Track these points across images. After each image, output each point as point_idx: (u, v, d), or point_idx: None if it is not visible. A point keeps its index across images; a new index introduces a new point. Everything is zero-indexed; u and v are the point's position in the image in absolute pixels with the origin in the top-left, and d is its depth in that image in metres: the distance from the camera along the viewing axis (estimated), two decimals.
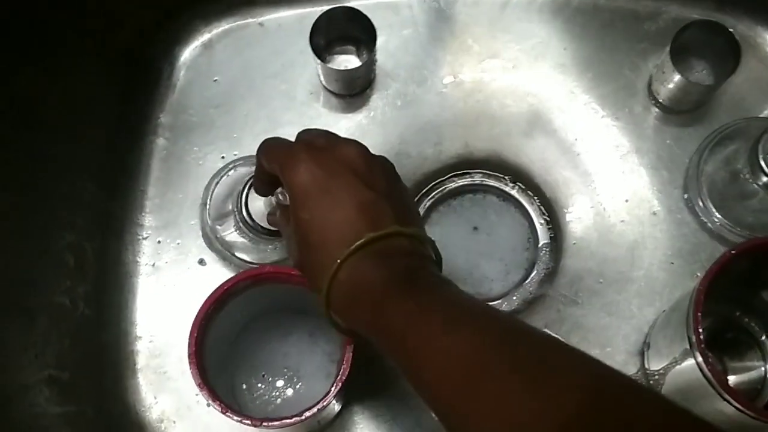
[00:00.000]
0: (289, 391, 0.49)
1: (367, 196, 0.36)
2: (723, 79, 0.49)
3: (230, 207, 0.49)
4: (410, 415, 0.49)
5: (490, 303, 0.52)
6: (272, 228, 0.46)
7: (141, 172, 0.53)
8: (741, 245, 0.38)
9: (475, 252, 0.53)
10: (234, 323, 0.47)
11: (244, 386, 0.49)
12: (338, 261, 0.34)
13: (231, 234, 0.50)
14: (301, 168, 0.36)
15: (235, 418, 0.39)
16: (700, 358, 0.37)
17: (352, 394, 0.49)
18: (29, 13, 0.46)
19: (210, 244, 0.51)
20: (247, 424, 0.40)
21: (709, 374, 0.37)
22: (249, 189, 0.46)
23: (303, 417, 0.39)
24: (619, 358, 0.49)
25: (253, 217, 0.46)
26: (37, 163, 0.46)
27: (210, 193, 0.50)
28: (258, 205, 0.46)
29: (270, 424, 0.39)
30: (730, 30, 0.48)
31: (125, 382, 0.50)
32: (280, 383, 0.49)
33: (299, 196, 0.36)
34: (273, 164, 0.39)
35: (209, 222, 0.50)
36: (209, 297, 0.41)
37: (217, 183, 0.50)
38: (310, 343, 0.49)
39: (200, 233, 0.52)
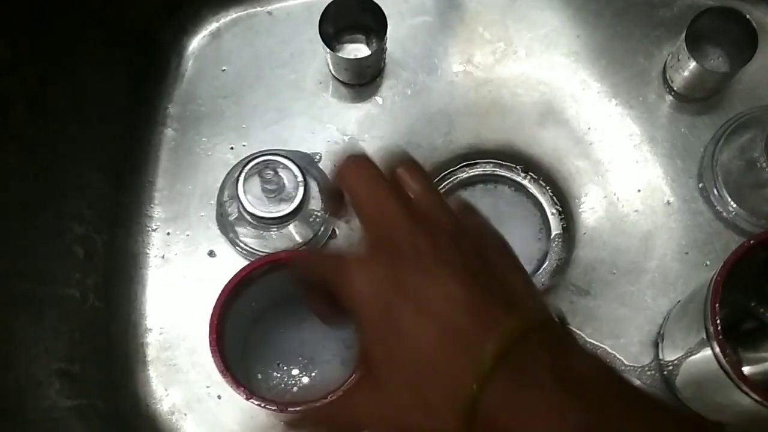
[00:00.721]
0: (305, 379, 0.49)
1: (466, 287, 0.26)
2: (739, 66, 0.48)
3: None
4: None
5: None
6: (265, 215, 0.46)
7: (150, 163, 0.53)
8: (758, 236, 0.37)
9: None
10: (249, 311, 0.46)
11: (260, 375, 0.48)
12: (467, 398, 0.24)
13: (236, 214, 0.50)
14: (357, 278, 0.28)
15: (260, 404, 0.39)
16: (717, 349, 0.37)
17: None
18: (38, 4, 0.45)
19: (220, 225, 0.51)
20: (272, 410, 0.39)
21: (726, 365, 0.36)
22: (245, 174, 0.46)
23: (328, 399, 0.37)
24: (633, 349, 0.49)
25: (249, 199, 0.46)
26: (45, 154, 0.46)
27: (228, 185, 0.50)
28: (253, 190, 0.46)
29: (295, 408, 0.38)
30: (747, 17, 0.47)
31: (136, 375, 0.49)
32: (295, 371, 0.49)
33: (366, 320, 0.27)
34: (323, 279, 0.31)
35: (223, 201, 0.50)
36: (228, 283, 0.41)
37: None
38: (325, 330, 0.49)
39: (209, 224, 0.52)
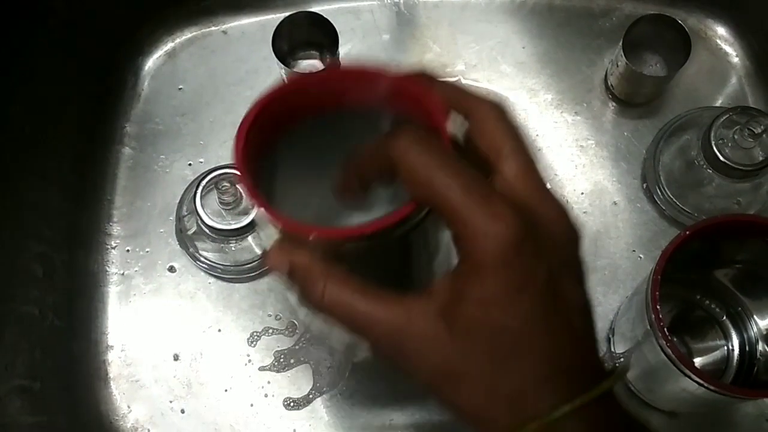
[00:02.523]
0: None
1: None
2: (675, 70, 0.51)
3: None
4: None
5: None
6: (224, 227, 0.47)
7: (108, 182, 0.53)
8: (694, 226, 0.39)
9: (446, 252, 0.54)
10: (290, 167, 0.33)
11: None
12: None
13: (194, 229, 0.50)
14: (499, 215, 0.23)
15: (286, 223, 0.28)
16: (660, 336, 0.38)
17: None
18: None
19: (180, 240, 0.52)
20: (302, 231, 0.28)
21: (669, 351, 0.38)
22: (202, 187, 0.47)
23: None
24: None
25: (209, 216, 0.47)
26: (3, 173, 0.46)
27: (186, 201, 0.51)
28: (211, 204, 0.47)
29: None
30: (680, 22, 0.50)
31: (98, 392, 0.49)
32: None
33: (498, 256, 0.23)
34: (441, 206, 0.25)
35: (181, 215, 0.50)
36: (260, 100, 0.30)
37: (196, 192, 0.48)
38: None
39: (169, 240, 0.52)
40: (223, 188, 0.46)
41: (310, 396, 0.49)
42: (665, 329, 0.38)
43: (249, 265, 0.51)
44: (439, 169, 0.25)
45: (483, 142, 0.27)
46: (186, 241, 0.51)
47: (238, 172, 0.30)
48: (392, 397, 0.49)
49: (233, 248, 0.50)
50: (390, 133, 0.27)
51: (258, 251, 0.50)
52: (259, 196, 0.29)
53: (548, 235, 0.26)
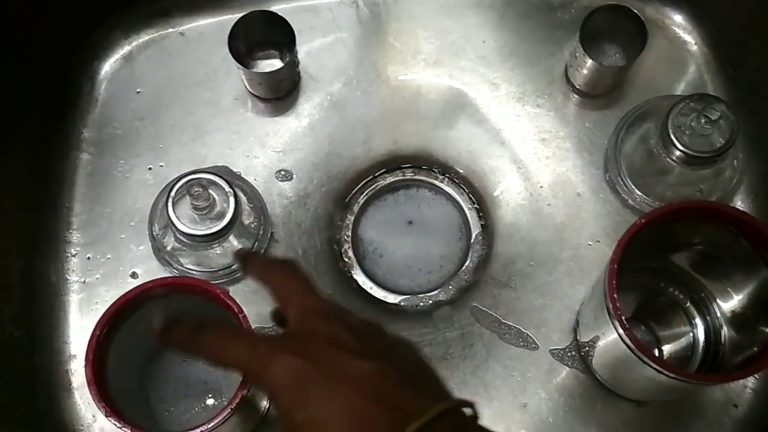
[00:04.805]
0: (210, 401, 0.48)
1: (381, 377, 0.29)
2: (633, 59, 0.51)
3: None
4: None
5: (428, 294, 0.52)
6: (203, 233, 0.46)
7: (66, 189, 0.53)
8: (648, 214, 0.39)
9: (411, 246, 0.54)
10: (146, 342, 0.44)
11: (163, 404, 0.48)
12: None
13: (172, 243, 0.49)
14: (276, 366, 0.30)
15: None
16: (618, 325, 0.38)
17: None
18: None
19: (160, 258, 0.51)
20: None
21: (627, 340, 0.38)
22: (173, 195, 0.46)
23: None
24: (554, 336, 0.50)
25: (182, 222, 0.46)
26: None
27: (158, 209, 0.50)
28: (185, 210, 0.46)
29: None
30: (635, 11, 0.50)
31: (62, 402, 0.49)
32: (201, 399, 0.48)
33: (284, 396, 0.30)
34: (235, 368, 0.33)
35: (155, 234, 0.49)
36: (103, 315, 0.40)
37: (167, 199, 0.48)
38: None
39: (131, 246, 0.52)
40: (196, 193, 0.45)
41: None
42: (623, 318, 0.38)
43: (235, 265, 0.50)
44: (230, 341, 0.33)
45: (278, 301, 0.36)
46: (167, 258, 0.50)
47: (89, 385, 0.39)
48: None
49: (218, 252, 0.49)
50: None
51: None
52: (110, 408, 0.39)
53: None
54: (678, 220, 0.40)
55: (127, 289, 0.50)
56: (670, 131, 0.46)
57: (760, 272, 0.40)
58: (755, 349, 0.39)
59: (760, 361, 0.37)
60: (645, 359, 0.37)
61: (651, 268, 0.47)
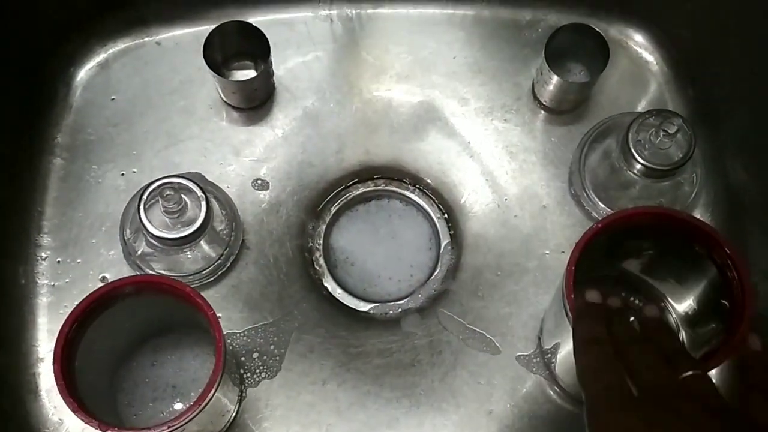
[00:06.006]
0: (179, 406, 0.48)
1: None
2: (596, 76, 0.53)
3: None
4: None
5: (398, 302, 0.53)
6: (174, 236, 0.46)
7: (38, 193, 0.53)
8: (606, 217, 0.41)
9: (381, 255, 0.55)
10: (115, 343, 0.46)
11: (130, 407, 0.48)
12: None
13: (143, 248, 0.50)
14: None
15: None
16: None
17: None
18: None
19: (131, 263, 0.51)
20: None
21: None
22: (146, 199, 0.46)
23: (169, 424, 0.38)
24: (520, 344, 0.51)
25: (154, 226, 0.46)
26: None
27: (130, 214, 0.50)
28: (157, 215, 0.47)
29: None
30: (598, 30, 0.52)
31: (28, 405, 0.48)
32: (169, 404, 0.48)
33: None
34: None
35: (127, 238, 0.50)
36: (71, 313, 0.40)
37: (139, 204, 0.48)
38: (199, 358, 0.49)
39: (101, 251, 0.52)
40: (168, 196, 0.46)
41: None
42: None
43: (206, 271, 0.50)
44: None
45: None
46: (138, 262, 0.50)
47: (57, 380, 0.38)
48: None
49: (189, 256, 0.50)
50: None
51: (213, 255, 0.50)
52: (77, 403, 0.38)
53: None
54: (632, 226, 0.42)
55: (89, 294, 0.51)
56: (631, 145, 0.48)
57: (709, 271, 0.42)
58: (712, 343, 0.41)
59: (719, 354, 0.39)
60: None
61: (605, 277, 0.48)
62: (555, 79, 0.53)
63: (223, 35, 0.52)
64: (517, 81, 0.57)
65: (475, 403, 0.50)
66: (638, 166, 0.49)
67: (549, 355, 0.48)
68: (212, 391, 0.39)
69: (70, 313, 0.40)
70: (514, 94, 0.57)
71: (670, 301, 0.47)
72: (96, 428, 0.37)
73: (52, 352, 0.39)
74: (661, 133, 0.47)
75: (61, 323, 0.49)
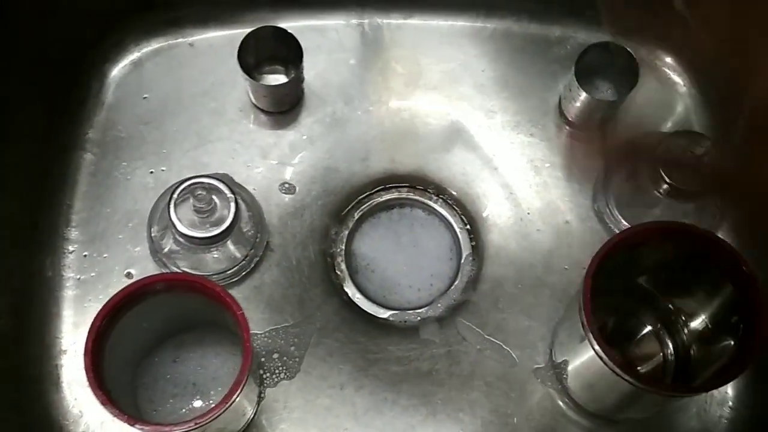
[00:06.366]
0: (198, 404, 0.48)
1: None
2: (624, 95, 0.53)
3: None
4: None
5: (417, 310, 0.53)
6: (202, 236, 0.47)
7: (68, 186, 0.53)
8: (624, 231, 0.41)
9: (402, 263, 0.55)
10: (140, 338, 0.47)
11: (150, 403, 0.48)
12: None
13: (170, 246, 0.50)
14: None
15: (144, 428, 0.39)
16: (592, 338, 0.40)
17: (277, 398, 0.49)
18: None
19: (157, 260, 0.51)
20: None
21: (597, 348, 0.39)
22: (176, 197, 0.47)
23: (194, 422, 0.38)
24: (538, 358, 0.51)
25: (183, 225, 0.47)
26: None
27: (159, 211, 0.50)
28: (185, 214, 0.47)
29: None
30: (628, 50, 0.53)
31: (49, 396, 0.49)
32: (189, 401, 0.48)
33: None
34: None
35: (154, 235, 0.50)
36: (105, 305, 0.40)
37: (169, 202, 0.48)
38: (221, 357, 0.49)
39: (127, 246, 0.52)
40: (199, 196, 0.46)
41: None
42: (596, 329, 0.39)
43: (230, 271, 0.51)
44: None
45: None
46: (164, 260, 0.50)
47: (87, 373, 0.39)
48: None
49: (215, 255, 0.50)
50: None
51: (238, 255, 0.51)
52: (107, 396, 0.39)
53: None
54: (647, 242, 0.42)
55: (119, 288, 0.51)
56: (659, 165, 0.49)
57: (724, 289, 0.42)
58: (723, 361, 0.41)
59: (730, 371, 0.39)
60: (616, 370, 0.39)
61: (621, 292, 0.49)
62: (583, 95, 0.53)
63: (258, 39, 0.53)
64: (544, 96, 0.58)
65: (492, 415, 0.50)
66: (665, 186, 0.49)
67: (561, 368, 0.48)
68: (239, 391, 0.39)
69: (103, 307, 0.40)
70: (541, 109, 0.57)
71: (684, 318, 0.48)
72: (125, 422, 0.38)
73: (83, 344, 0.39)
74: (689, 155, 0.47)
75: (86, 316, 0.50)
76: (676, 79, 0.59)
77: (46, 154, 0.53)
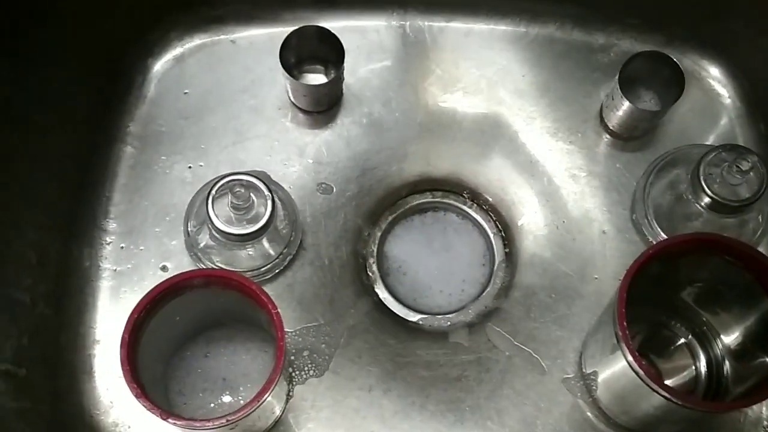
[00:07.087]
0: (227, 398, 0.48)
1: None
2: (668, 106, 0.52)
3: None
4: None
5: (447, 315, 0.53)
6: (239, 232, 0.47)
7: (107, 178, 0.54)
8: (659, 243, 0.41)
9: (434, 267, 0.55)
10: (173, 332, 0.47)
11: (180, 396, 0.48)
12: None
13: (206, 241, 0.50)
14: None
15: (177, 422, 0.39)
16: (627, 351, 0.39)
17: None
18: (11, 21, 0.47)
19: (192, 254, 0.52)
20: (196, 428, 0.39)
21: (634, 363, 0.39)
22: (214, 193, 0.47)
23: (225, 420, 0.39)
24: (570, 369, 0.51)
25: (220, 221, 0.47)
26: (5, 161, 0.47)
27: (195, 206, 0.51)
28: (222, 210, 0.47)
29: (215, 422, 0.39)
30: (675, 60, 0.52)
31: (81, 385, 0.49)
32: (218, 396, 0.48)
33: None
34: None
35: (190, 230, 0.51)
36: (144, 297, 0.41)
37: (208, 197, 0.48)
38: (251, 353, 0.49)
39: (164, 240, 0.53)
40: (237, 192, 0.46)
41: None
42: (629, 339, 0.38)
43: (264, 268, 0.51)
44: None
45: None
46: (199, 254, 0.51)
47: (123, 365, 0.40)
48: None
49: (250, 252, 0.50)
50: None
51: (272, 252, 0.51)
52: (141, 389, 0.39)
53: None
54: (684, 254, 0.41)
55: (157, 282, 0.52)
56: (701, 178, 0.48)
57: (761, 304, 0.41)
58: (757, 378, 0.40)
59: (763, 390, 0.38)
60: (651, 384, 0.38)
61: (654, 303, 0.48)
62: (626, 104, 0.52)
63: (300, 38, 0.53)
64: (585, 104, 0.57)
65: (520, 424, 0.50)
66: (706, 200, 0.48)
67: (591, 379, 0.47)
68: (271, 388, 0.39)
69: (141, 300, 0.41)
70: (581, 116, 0.57)
71: (719, 332, 0.47)
72: (157, 416, 0.38)
73: (118, 336, 0.40)
74: (734, 169, 0.46)
75: (120, 307, 0.51)
76: (721, 90, 0.57)
77: (88, 145, 0.54)
